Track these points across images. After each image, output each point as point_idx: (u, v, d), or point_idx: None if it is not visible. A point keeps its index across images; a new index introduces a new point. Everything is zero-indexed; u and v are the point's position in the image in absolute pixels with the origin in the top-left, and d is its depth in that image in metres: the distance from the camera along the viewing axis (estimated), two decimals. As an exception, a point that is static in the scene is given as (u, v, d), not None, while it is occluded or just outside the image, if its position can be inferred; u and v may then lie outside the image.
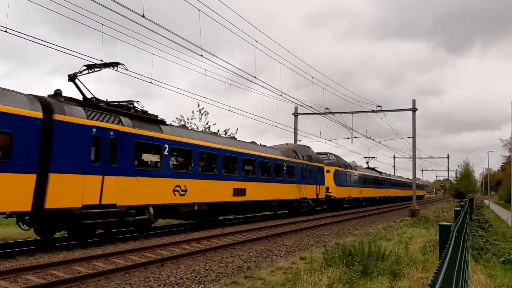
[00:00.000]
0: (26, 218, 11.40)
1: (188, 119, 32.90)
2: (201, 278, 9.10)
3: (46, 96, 11.86)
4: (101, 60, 13.73)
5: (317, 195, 28.50)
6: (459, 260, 3.78)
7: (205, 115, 33.22)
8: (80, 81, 13.27)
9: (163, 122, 15.48)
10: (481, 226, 18.08)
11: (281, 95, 24.12)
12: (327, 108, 32.86)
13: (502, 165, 79.15)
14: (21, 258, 10.20)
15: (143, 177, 13.94)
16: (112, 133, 12.74)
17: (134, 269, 9.41)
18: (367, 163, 52.44)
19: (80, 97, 13.00)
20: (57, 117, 11.22)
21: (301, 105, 30.26)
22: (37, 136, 10.62)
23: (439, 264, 2.15)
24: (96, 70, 13.64)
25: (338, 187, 34.12)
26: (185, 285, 8.50)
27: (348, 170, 37.45)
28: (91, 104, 12.82)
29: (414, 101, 32.69)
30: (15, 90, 10.76)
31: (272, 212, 24.86)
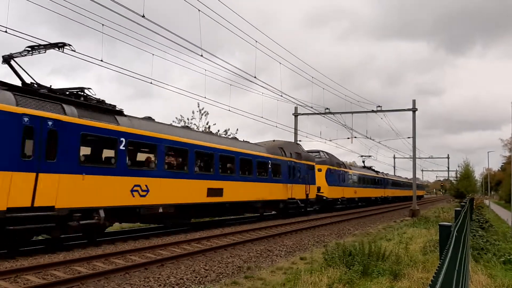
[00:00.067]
0: None
1: (188, 119, 32.99)
2: (201, 278, 9.09)
3: None
4: (101, 60, 13.74)
5: (307, 195, 26.76)
6: (459, 260, 3.78)
7: (205, 115, 33.28)
8: (17, 63, 11.77)
9: (120, 113, 13.59)
10: (481, 226, 18.08)
11: (281, 95, 24.13)
12: (327, 108, 32.87)
13: (502, 165, 79.25)
14: (21, 258, 10.20)
15: (91, 175, 12.07)
16: (50, 123, 10.98)
17: (134, 269, 9.40)
18: (363, 162, 51.24)
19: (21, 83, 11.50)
20: None
21: (301, 105, 30.28)
22: None
23: (439, 264, 2.14)
24: (41, 51, 12.25)
25: (330, 187, 32.47)
26: (185, 285, 8.50)
27: (341, 169, 35.81)
28: (25, 90, 11.13)
29: (414, 101, 32.70)
30: None
31: (258, 214, 22.78)
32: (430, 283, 1.70)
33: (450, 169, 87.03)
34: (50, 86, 12.17)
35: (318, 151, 33.75)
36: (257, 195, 20.94)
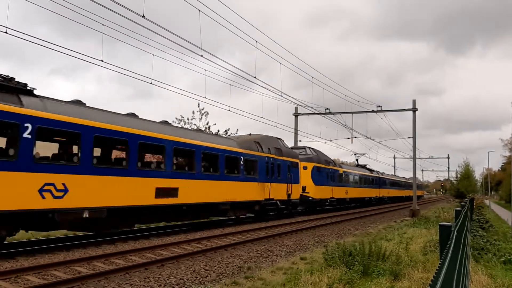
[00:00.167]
0: None
1: (188, 119, 33.01)
2: (201, 279, 9.09)
3: None
4: (101, 60, 13.72)
5: (289, 195, 24.10)
6: (459, 260, 3.78)
7: (205, 116, 33.30)
8: None
9: (27, 92, 11.01)
10: (481, 226, 18.07)
11: (281, 95, 24.13)
12: (327, 108, 32.90)
13: (502, 165, 79.33)
14: (21, 259, 10.20)
15: None
16: None
17: (134, 270, 9.41)
18: (357, 160, 48.52)
19: None
20: None
21: (301, 105, 30.28)
22: None
23: (439, 264, 2.14)
24: None
25: (317, 187, 29.61)
26: (186, 285, 8.50)
27: (330, 167, 32.99)
28: None
29: (414, 101, 32.72)
30: None
31: (226, 218, 20.45)
32: (430, 283, 1.70)
33: (450, 169, 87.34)
34: None
35: (304, 148, 31.42)
36: (225, 196, 18.23)
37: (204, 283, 8.78)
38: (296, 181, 25.30)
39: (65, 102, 12.29)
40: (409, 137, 35.80)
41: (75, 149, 12.59)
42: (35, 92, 11.33)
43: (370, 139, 38.19)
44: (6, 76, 10.76)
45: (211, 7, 15.67)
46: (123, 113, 14.48)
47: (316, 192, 29.46)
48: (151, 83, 16.19)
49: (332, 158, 36.08)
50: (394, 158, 74.24)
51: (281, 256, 12.30)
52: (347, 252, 10.12)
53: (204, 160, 17.32)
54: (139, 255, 11.14)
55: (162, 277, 8.92)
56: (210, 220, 20.52)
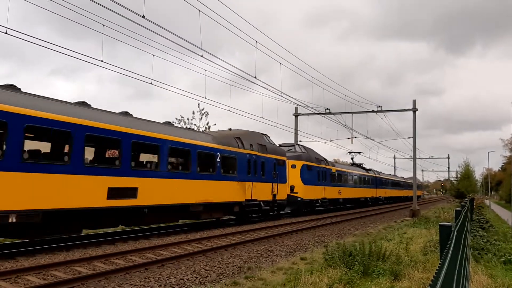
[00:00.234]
0: None
1: (188, 119, 33.02)
2: (201, 279, 9.10)
3: None
4: (102, 61, 13.72)
5: (274, 196, 22.44)
6: (459, 260, 3.78)
7: (205, 116, 33.32)
8: None
9: None
10: (481, 226, 18.08)
11: (282, 96, 24.13)
12: (327, 109, 32.93)
13: (502, 165, 79.39)
14: (22, 259, 10.21)
15: None
16: None
17: (134, 270, 9.41)
18: (352, 159, 46.13)
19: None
20: None
21: (301, 106, 30.28)
22: None
23: (439, 264, 2.14)
24: None
25: (307, 186, 27.82)
26: (186, 286, 8.51)
27: (322, 165, 31.10)
28: None
29: (414, 102, 32.74)
30: None
31: (200, 221, 18.64)
32: (431, 283, 1.70)
33: (450, 169, 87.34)
34: None
35: (293, 145, 29.88)
36: (197, 197, 16.43)
37: (204, 283, 8.78)
38: (283, 180, 23.70)
39: None
40: (409, 137, 35.88)
41: None
42: None
43: (370, 139, 38.24)
44: None
45: (211, 7, 15.69)
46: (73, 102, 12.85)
47: (305, 192, 27.73)
48: (151, 84, 16.20)
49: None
50: (394, 158, 74.39)
51: (281, 256, 12.31)
52: (347, 252, 10.13)
53: (171, 156, 15.65)
54: (139, 255, 11.15)
55: (162, 277, 8.93)
56: (210, 221, 20.33)
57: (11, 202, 10.07)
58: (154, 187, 14.34)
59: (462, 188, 56.40)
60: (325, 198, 30.98)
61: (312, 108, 30.98)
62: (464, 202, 10.23)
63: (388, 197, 55.12)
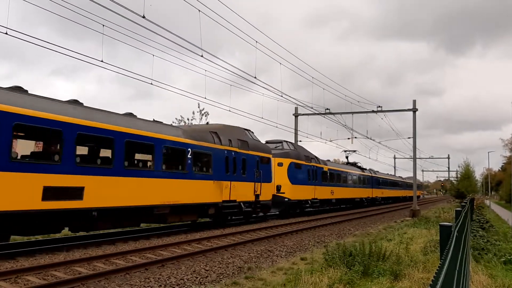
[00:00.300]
0: None
1: (188, 119, 33.00)
2: (201, 279, 9.10)
3: None
4: (102, 61, 13.72)
5: (257, 196, 20.57)
6: (460, 260, 3.78)
7: (205, 116, 33.30)
8: None
9: None
10: (481, 226, 18.07)
11: (282, 96, 24.14)
12: (327, 109, 32.94)
13: (502, 165, 79.42)
14: (22, 259, 10.20)
15: None
16: None
17: (134, 270, 9.42)
18: (347, 157, 43.70)
19: None
20: None
21: (301, 106, 30.31)
22: None
23: (440, 264, 2.14)
24: None
25: (295, 186, 25.79)
26: (186, 286, 8.51)
27: (313, 164, 29.14)
28: None
29: (414, 102, 32.75)
30: None
31: (167, 224, 17.14)
32: (431, 283, 1.70)
33: (450, 169, 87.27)
34: None
35: (280, 142, 27.68)
36: (162, 198, 14.61)
37: (204, 283, 8.78)
38: (268, 179, 21.82)
39: None
40: (409, 137, 35.90)
41: None
42: None
43: (370, 139, 38.25)
44: None
45: (211, 7, 15.70)
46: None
47: (293, 192, 25.63)
48: (151, 84, 16.20)
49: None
50: (395, 158, 74.34)
51: (281, 257, 12.31)
52: (348, 252, 10.12)
53: (129, 152, 13.74)
54: (140, 256, 11.15)
55: (162, 277, 8.93)
56: (210, 221, 20.15)
57: None
58: (106, 186, 12.42)
59: (462, 188, 56.40)
60: (315, 199, 29.07)
61: (312, 108, 31.02)
62: (464, 202, 10.24)
63: (385, 198, 53.31)
